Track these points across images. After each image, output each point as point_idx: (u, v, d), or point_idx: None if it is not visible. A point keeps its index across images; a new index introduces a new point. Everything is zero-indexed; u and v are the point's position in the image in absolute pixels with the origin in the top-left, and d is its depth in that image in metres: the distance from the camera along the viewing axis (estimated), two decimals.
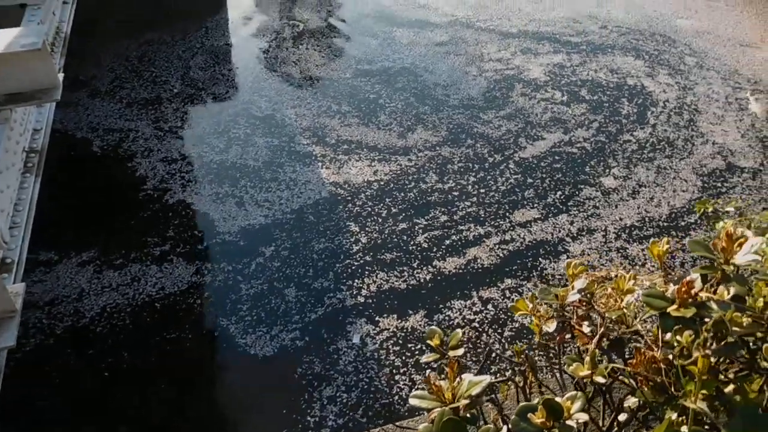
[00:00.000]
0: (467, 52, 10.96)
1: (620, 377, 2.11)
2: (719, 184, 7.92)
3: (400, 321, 6.01)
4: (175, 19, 11.54)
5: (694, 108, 9.28)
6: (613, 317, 2.19)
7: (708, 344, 1.68)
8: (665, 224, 7.32)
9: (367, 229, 7.07)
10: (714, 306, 1.72)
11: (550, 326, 2.31)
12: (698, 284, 1.82)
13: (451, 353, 2.30)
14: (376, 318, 6.03)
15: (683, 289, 1.73)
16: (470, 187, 7.75)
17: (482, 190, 7.71)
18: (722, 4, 12.09)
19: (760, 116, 9.14)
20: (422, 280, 6.45)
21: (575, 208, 7.51)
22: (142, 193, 7.47)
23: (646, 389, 1.88)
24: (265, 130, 8.77)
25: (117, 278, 6.37)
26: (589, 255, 6.84)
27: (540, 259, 6.74)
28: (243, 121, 8.97)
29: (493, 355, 5.55)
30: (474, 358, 5.63)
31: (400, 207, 7.40)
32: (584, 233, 7.13)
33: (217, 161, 8.08)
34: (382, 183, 7.77)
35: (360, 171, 7.96)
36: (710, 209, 4.50)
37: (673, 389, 1.77)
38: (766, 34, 11.04)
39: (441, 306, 6.17)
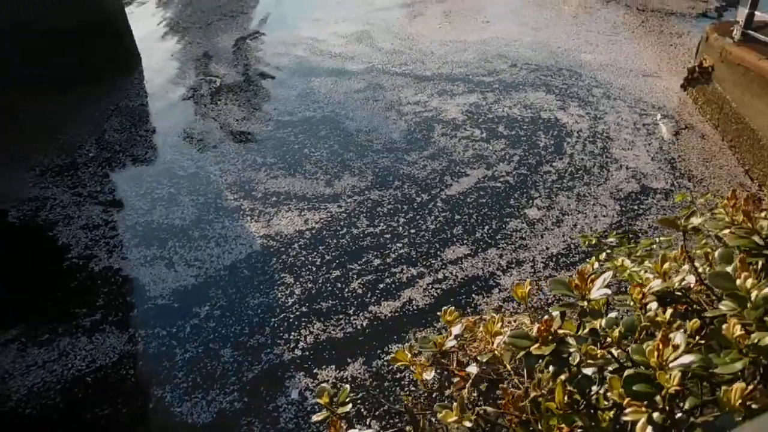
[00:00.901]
0: (385, 98, 11.16)
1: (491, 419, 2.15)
2: (636, 207, 8.25)
3: (338, 371, 5.91)
4: (87, 81, 11.28)
5: (606, 136, 9.71)
6: (484, 360, 2.25)
7: (566, 379, 1.76)
8: (589, 249, 7.53)
9: (301, 279, 6.98)
10: (572, 341, 1.79)
11: (428, 374, 2.39)
12: (557, 322, 1.89)
13: (340, 410, 2.35)
14: (315, 370, 5.92)
15: (543, 327, 1.79)
16: (401, 228, 7.80)
17: (412, 231, 7.77)
18: (621, 38, 12.81)
19: (667, 139, 9.65)
20: (359, 327, 6.39)
21: (503, 241, 7.65)
22: (67, 263, 7.16)
23: (515, 428, 1.93)
24: (190, 188, 8.61)
25: (44, 355, 6.03)
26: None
27: (473, 295, 6.80)
28: (166, 180, 8.79)
29: (386, 407, 5.47)
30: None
31: (333, 254, 7.36)
32: (513, 265, 7.27)
33: (142, 223, 7.85)
34: (313, 231, 7.73)
35: (290, 222, 7.90)
36: (593, 242, 4.77)
37: (539, 426, 1.82)
38: (663, 65, 11.74)
39: (379, 351, 6.11)
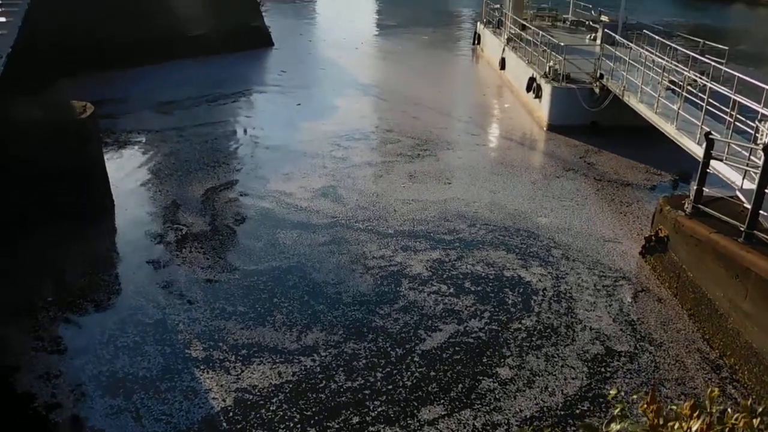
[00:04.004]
0: (350, 251, 11.34)
1: None
2: (603, 369, 8.41)
3: None
4: (55, 224, 11.08)
5: (569, 296, 10.05)
6: None
7: None
8: (561, 412, 7.56)
9: None
10: None
11: None
12: None
13: None
14: None
15: None
16: (378, 384, 7.65)
17: (389, 386, 7.63)
18: (577, 204, 13.62)
19: (626, 301, 10.06)
20: None
21: (478, 402, 7.61)
22: (30, 412, 6.63)
23: None
24: (156, 336, 8.32)
25: None
26: None
27: None
28: (130, 328, 8.48)
29: None
30: None
31: (311, 410, 7.10)
32: (489, 427, 7.18)
33: (106, 373, 7.45)
34: (290, 385, 7.49)
35: (263, 375, 7.66)
36: None
37: None
38: (619, 231, 12.40)
39: None
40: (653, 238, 10.69)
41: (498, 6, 31.06)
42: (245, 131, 18.49)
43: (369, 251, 11.36)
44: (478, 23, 33.84)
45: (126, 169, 14.75)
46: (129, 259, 10.63)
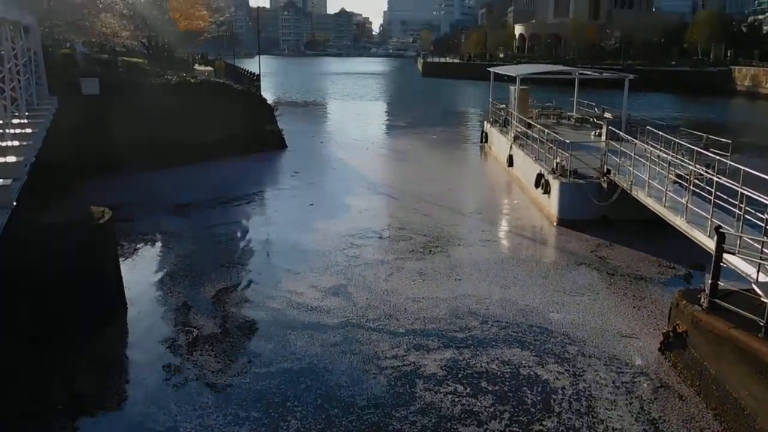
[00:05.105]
0: (363, 352, 11.20)
1: None
2: None
3: None
4: (67, 328, 11.09)
5: (589, 394, 9.79)
6: None
7: None
8: None
9: None
10: None
11: None
12: None
13: None
14: None
15: None
16: None
17: None
18: (586, 298, 13.53)
19: (646, 398, 9.78)
20: None
21: None
22: None
23: None
24: None
25: None
26: None
27: None
28: None
29: None
30: None
31: None
32: None
33: None
34: None
35: None
36: None
37: None
38: (635, 326, 12.22)
39: None
40: (671, 333, 10.52)
41: (503, 106, 32.09)
42: (258, 232, 18.76)
43: (382, 351, 11.22)
44: (485, 122, 34.86)
45: (140, 272, 14.89)
46: (140, 363, 10.55)
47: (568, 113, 32.50)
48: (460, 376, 10.37)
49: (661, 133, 19.32)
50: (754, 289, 9.68)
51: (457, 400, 9.57)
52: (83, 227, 11.85)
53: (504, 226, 20.09)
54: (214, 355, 10.99)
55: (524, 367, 10.67)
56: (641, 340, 11.60)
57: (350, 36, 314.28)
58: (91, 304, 11.53)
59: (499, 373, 10.47)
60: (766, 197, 10.60)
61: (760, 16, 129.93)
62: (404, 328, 12.20)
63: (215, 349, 11.25)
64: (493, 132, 31.80)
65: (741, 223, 11.23)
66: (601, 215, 18.21)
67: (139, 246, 16.76)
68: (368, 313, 12.82)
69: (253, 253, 16.75)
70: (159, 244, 17.27)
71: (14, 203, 9.90)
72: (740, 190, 11.20)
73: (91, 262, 11.71)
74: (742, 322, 9.01)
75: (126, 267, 14.20)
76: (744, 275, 10.22)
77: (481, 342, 11.66)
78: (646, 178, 15.45)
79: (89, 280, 11.52)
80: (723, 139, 17.16)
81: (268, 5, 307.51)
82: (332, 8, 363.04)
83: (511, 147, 26.31)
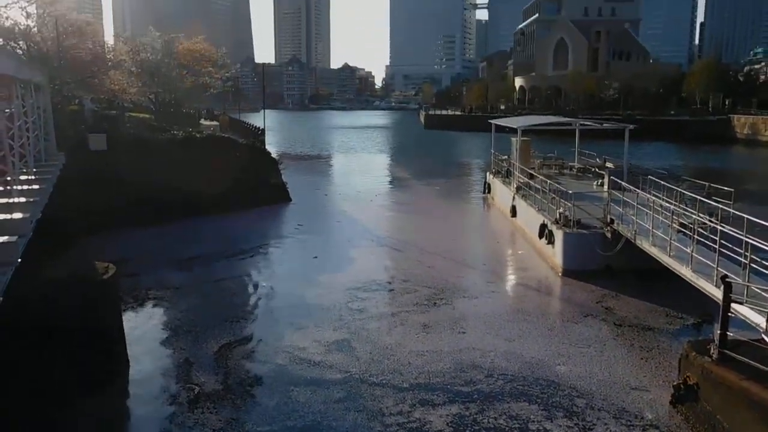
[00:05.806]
0: (366, 408, 11.02)
1: None
2: None
3: None
4: (73, 392, 10.94)
5: None
6: None
7: None
8: None
9: None
10: None
11: None
12: None
13: None
14: None
15: None
16: None
17: None
18: (592, 350, 13.36)
19: None
20: None
21: None
22: None
23: None
24: None
25: None
26: None
27: None
28: None
29: None
30: None
31: None
32: None
33: None
34: None
35: None
36: None
37: None
38: (644, 378, 12.03)
39: None
40: (682, 386, 10.33)
41: (505, 156, 32.34)
42: (262, 286, 18.70)
43: (386, 407, 11.04)
44: (488, 173, 35.09)
45: (144, 328, 14.81)
46: (140, 422, 10.40)
47: (570, 163, 32.72)
48: None
49: (662, 182, 19.38)
50: (763, 339, 9.55)
51: None
52: (86, 284, 11.83)
53: (508, 277, 20.00)
54: (216, 413, 10.82)
55: (533, 421, 10.46)
56: (651, 392, 11.39)
57: (353, 90, 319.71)
58: (93, 362, 11.41)
59: (507, 428, 10.26)
60: None
61: (756, 66, 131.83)
62: (409, 382, 12.02)
63: (217, 406, 11.08)
64: (495, 183, 31.97)
65: (747, 272, 11.16)
66: (606, 265, 18.13)
67: (143, 301, 16.71)
68: (372, 367, 12.65)
69: (256, 308, 16.67)
70: (163, 299, 17.21)
71: (19, 260, 9.91)
72: (745, 238, 11.18)
73: (93, 319, 11.63)
74: (753, 373, 8.86)
75: (128, 323, 14.11)
76: (753, 324, 10.09)
77: (487, 396, 11.46)
78: (650, 228, 15.44)
79: (92, 337, 11.43)
80: (725, 188, 17.21)
81: (273, 61, 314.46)
82: (336, 63, 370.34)
83: (514, 197, 26.41)
